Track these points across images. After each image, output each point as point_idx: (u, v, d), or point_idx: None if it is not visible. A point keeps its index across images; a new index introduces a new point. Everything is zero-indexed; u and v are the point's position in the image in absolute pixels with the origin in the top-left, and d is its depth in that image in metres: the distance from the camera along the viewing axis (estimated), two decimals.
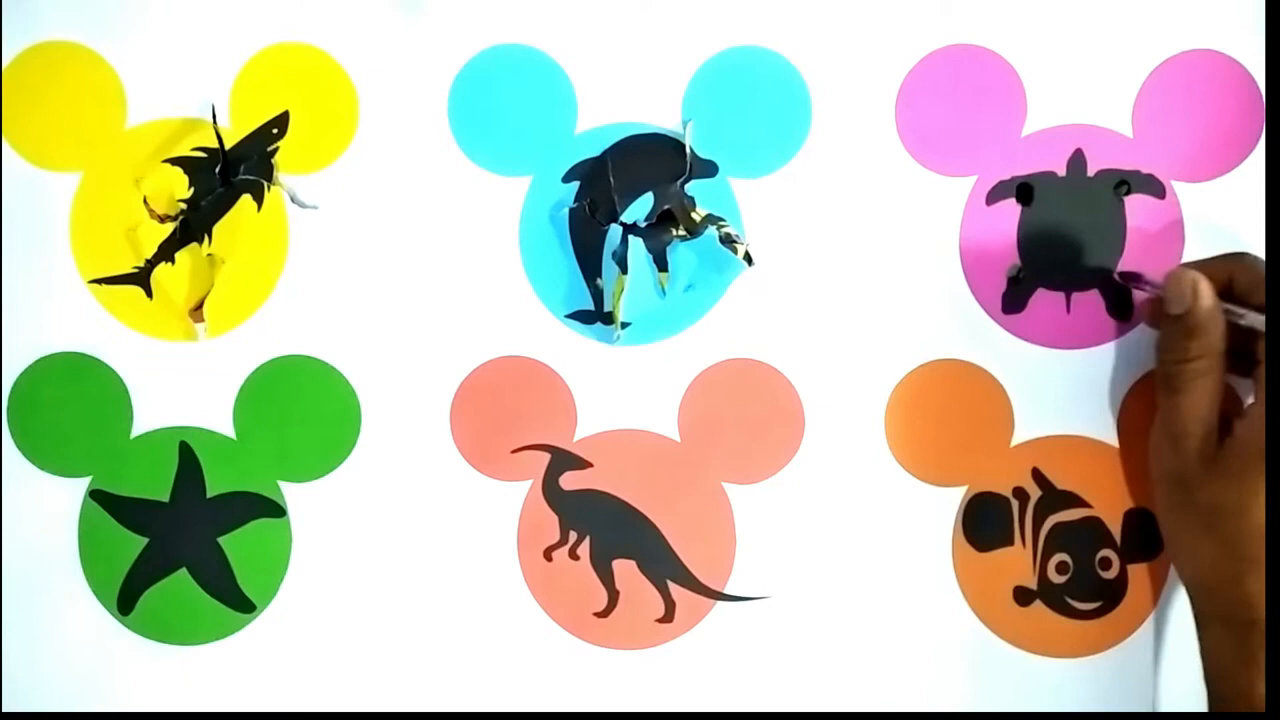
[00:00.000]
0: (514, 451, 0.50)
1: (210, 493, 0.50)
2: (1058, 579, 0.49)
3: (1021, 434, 0.49)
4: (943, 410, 0.49)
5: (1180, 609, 0.49)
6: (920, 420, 0.49)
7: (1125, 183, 0.48)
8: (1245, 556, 0.43)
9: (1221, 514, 0.43)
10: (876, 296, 0.49)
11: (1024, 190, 0.49)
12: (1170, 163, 0.48)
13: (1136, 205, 0.49)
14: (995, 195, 0.49)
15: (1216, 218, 0.46)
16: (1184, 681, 0.49)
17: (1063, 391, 0.49)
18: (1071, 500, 0.49)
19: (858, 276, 0.49)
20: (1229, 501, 0.43)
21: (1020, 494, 0.49)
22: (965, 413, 0.49)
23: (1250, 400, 0.46)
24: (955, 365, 0.49)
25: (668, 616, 0.50)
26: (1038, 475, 0.49)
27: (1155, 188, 0.48)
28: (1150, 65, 0.48)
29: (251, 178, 0.49)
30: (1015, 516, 0.49)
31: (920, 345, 0.49)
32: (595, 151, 0.49)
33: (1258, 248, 0.47)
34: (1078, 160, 0.48)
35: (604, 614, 0.50)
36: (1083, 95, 0.48)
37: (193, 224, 0.49)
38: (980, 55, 0.48)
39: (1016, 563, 0.49)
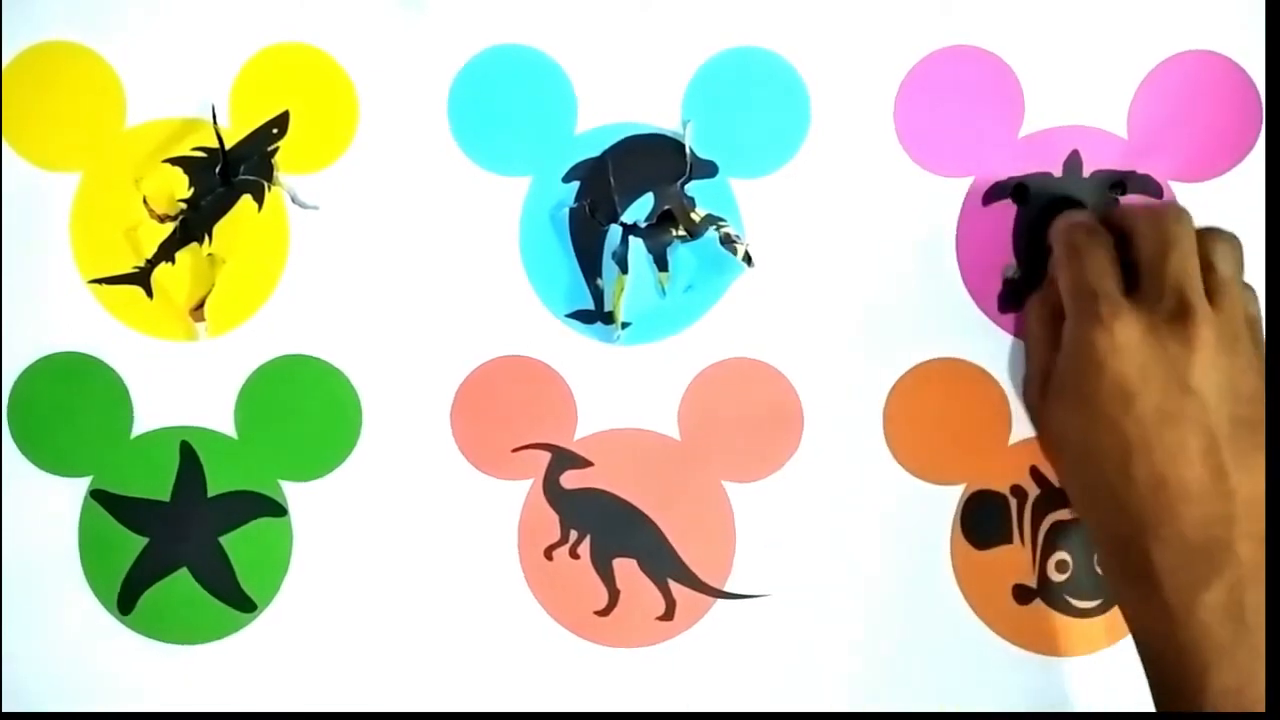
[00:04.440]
0: (514, 450, 0.50)
1: (211, 492, 0.50)
2: (1057, 577, 0.49)
3: (1019, 432, 0.49)
4: (941, 409, 0.49)
5: None
6: (918, 419, 0.49)
7: (1121, 183, 0.49)
8: (1060, 470, 0.48)
9: (1045, 440, 0.49)
10: (875, 296, 0.49)
11: (1020, 191, 0.49)
12: (1167, 163, 0.49)
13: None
14: (991, 196, 0.49)
15: (1215, 218, 0.47)
16: None
17: None
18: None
19: (856, 276, 0.49)
20: (1049, 423, 0.48)
21: (1019, 492, 0.49)
22: (963, 411, 0.49)
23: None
24: (953, 364, 0.49)
25: (668, 615, 0.50)
26: (1036, 473, 0.49)
27: (1152, 188, 0.49)
28: (1147, 67, 0.48)
29: (252, 178, 0.49)
30: (1014, 514, 0.49)
31: (918, 344, 0.49)
32: (595, 152, 0.49)
33: (1257, 247, 0.47)
34: (1073, 161, 0.49)
35: (604, 612, 0.50)
36: (1079, 96, 0.49)
37: (193, 224, 0.49)
38: (978, 56, 0.49)
39: (1016, 561, 0.49)
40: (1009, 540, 0.49)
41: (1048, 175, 0.49)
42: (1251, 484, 0.42)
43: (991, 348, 0.49)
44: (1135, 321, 0.43)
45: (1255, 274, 0.47)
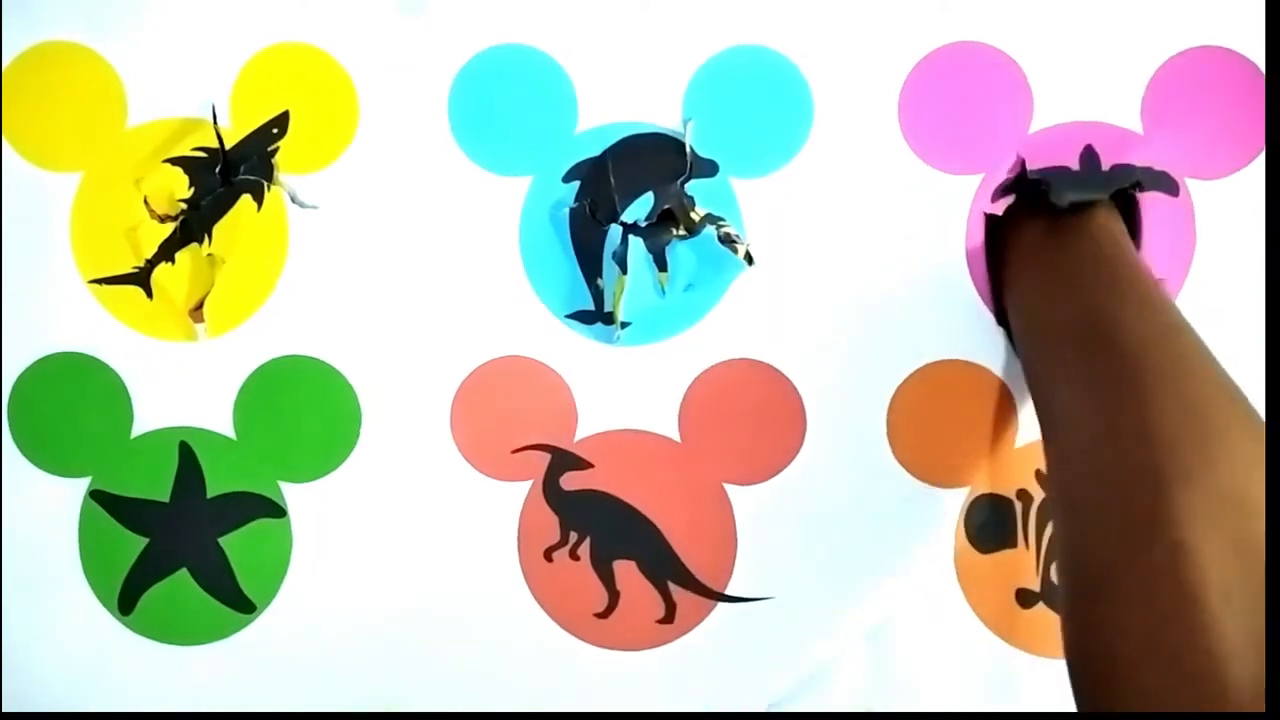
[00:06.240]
0: (514, 452, 0.50)
1: (210, 493, 0.50)
2: None
3: (1025, 436, 0.49)
4: (946, 411, 0.49)
5: None
6: (923, 421, 0.49)
7: (1138, 181, 0.48)
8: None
9: None
10: (879, 296, 0.49)
11: (1032, 187, 0.48)
12: (1182, 160, 0.48)
13: (1148, 202, 0.48)
14: (1001, 193, 0.48)
15: (1228, 215, 0.46)
16: None
17: None
18: None
19: (860, 276, 0.49)
20: None
21: (1024, 496, 0.49)
22: (968, 414, 0.49)
23: None
24: (959, 366, 0.49)
25: (668, 617, 0.50)
26: (1041, 477, 0.49)
27: (1169, 185, 0.48)
28: (1157, 62, 0.48)
29: (252, 178, 0.49)
30: (1018, 518, 0.49)
31: (923, 346, 0.49)
32: (595, 151, 0.49)
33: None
34: (1090, 157, 0.48)
35: (604, 615, 0.50)
36: (1091, 92, 0.48)
37: (193, 224, 0.49)
38: (983, 52, 0.48)
39: (1019, 564, 0.49)
40: (1013, 544, 0.49)
41: (1065, 169, 0.48)
42: None
43: (999, 350, 0.49)
44: None
45: (1255, 273, 0.47)
